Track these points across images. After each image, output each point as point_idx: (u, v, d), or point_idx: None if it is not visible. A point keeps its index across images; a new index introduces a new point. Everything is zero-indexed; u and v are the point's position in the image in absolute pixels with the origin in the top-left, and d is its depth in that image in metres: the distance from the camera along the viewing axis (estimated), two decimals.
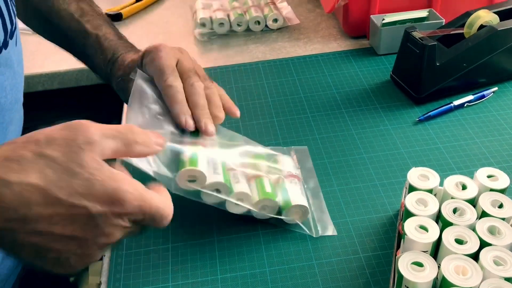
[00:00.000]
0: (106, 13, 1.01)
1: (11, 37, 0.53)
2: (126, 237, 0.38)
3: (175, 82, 0.54)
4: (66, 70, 0.87)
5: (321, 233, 0.54)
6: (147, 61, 0.56)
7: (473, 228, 0.44)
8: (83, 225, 0.35)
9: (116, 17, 1.01)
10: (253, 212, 0.53)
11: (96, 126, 0.37)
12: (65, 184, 0.34)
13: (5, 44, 0.51)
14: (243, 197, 0.52)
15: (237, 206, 0.52)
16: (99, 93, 0.95)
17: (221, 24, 0.92)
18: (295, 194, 0.54)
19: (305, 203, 0.54)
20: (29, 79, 0.87)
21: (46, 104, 0.93)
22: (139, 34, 0.96)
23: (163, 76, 0.54)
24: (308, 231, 0.54)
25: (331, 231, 0.55)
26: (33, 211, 0.34)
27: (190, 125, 0.52)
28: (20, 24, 1.00)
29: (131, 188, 0.36)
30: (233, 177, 0.53)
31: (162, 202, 0.38)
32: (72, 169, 0.34)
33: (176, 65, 0.56)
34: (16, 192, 0.33)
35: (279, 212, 0.54)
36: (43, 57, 0.91)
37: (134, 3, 1.04)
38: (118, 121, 0.75)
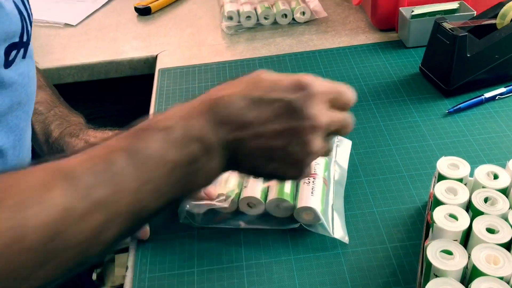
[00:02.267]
0: (135, 7, 1.02)
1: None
2: (321, 150, 0.41)
3: None
4: (95, 62, 0.89)
5: (334, 235, 0.52)
6: None
7: (505, 218, 0.43)
8: (287, 115, 0.39)
9: (145, 11, 1.02)
10: (269, 211, 0.54)
11: None
12: (256, 87, 0.39)
13: (29, 37, 0.51)
14: (252, 201, 0.54)
15: (250, 208, 0.54)
16: (128, 85, 0.97)
17: (248, 17, 0.92)
18: (304, 195, 0.53)
19: (312, 205, 0.52)
20: (60, 71, 0.88)
21: (75, 95, 0.95)
22: (167, 28, 0.97)
23: None
24: (322, 232, 0.53)
25: (342, 237, 0.52)
26: (247, 115, 0.38)
27: None
28: (50, 18, 1.02)
29: (311, 77, 0.41)
30: (245, 181, 0.55)
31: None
32: (257, 80, 0.40)
33: None
34: (230, 103, 0.38)
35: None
36: (73, 50, 0.92)
37: None
38: (147, 113, 0.75)
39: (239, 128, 0.38)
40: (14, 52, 0.46)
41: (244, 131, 0.38)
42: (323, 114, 0.40)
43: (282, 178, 0.43)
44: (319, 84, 0.40)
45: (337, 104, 0.42)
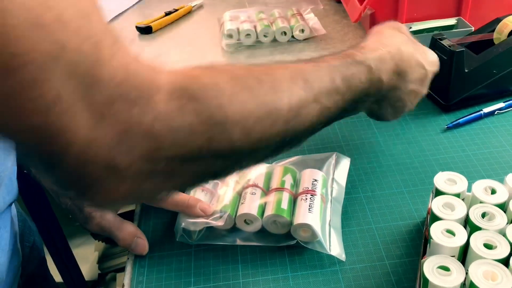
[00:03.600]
0: (137, 26, 1.04)
1: None
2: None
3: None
4: None
5: (331, 252, 0.51)
6: None
7: (503, 233, 0.43)
8: (422, 82, 0.55)
9: (147, 30, 1.03)
10: (265, 228, 0.54)
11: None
12: (423, 55, 0.55)
13: None
14: (249, 217, 0.53)
15: (247, 225, 0.54)
16: None
17: (248, 35, 0.93)
18: (301, 211, 0.53)
19: (309, 222, 0.51)
20: None
21: None
22: (168, 46, 0.98)
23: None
24: (319, 249, 0.52)
25: (339, 254, 0.52)
26: (413, 74, 0.53)
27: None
28: None
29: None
30: (242, 197, 0.55)
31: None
32: (419, 48, 0.56)
33: None
34: (410, 62, 0.52)
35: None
36: None
37: (163, 17, 1.06)
38: None
39: (403, 79, 0.52)
40: None
41: (404, 81, 0.52)
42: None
43: (381, 118, 0.56)
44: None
45: None
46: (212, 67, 0.39)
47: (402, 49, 0.51)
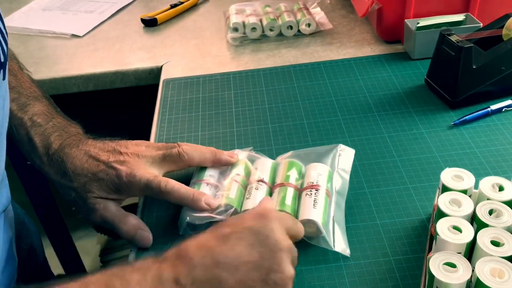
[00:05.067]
0: (142, 19, 1.03)
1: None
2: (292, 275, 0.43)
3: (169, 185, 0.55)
4: (101, 72, 0.89)
5: (335, 248, 0.51)
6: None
7: (510, 230, 0.42)
8: (257, 242, 0.41)
9: (151, 23, 1.03)
10: None
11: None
12: (221, 226, 0.43)
13: (6, 57, 0.48)
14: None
15: None
16: (132, 96, 0.97)
17: (254, 28, 0.92)
18: (306, 207, 0.52)
19: (314, 217, 0.51)
20: (65, 81, 0.89)
21: (80, 105, 0.95)
22: (173, 39, 0.97)
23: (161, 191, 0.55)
24: (323, 245, 0.51)
25: (343, 249, 0.51)
26: (222, 252, 0.40)
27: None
28: (57, 29, 1.03)
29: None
30: (247, 192, 0.55)
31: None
32: (219, 225, 0.44)
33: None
34: (199, 245, 0.41)
35: None
36: (79, 60, 0.93)
37: (169, 9, 1.06)
38: (150, 123, 0.75)
39: (215, 266, 0.39)
40: None
41: (220, 268, 0.39)
42: (286, 238, 0.42)
43: None
44: (274, 212, 0.44)
45: (289, 233, 0.44)
46: None
47: (189, 243, 0.41)
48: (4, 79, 0.47)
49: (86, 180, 0.55)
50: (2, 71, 0.46)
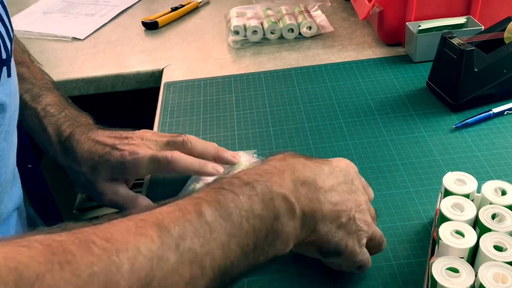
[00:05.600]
0: (143, 22, 1.03)
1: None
2: (371, 226, 0.45)
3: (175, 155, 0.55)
4: (102, 75, 0.89)
5: None
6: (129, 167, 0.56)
7: None
8: (350, 184, 0.44)
9: (152, 26, 1.03)
10: None
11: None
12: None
13: (9, 54, 0.48)
14: None
15: None
16: (133, 99, 0.97)
17: (255, 31, 0.92)
18: None
19: None
20: (66, 84, 0.89)
21: (81, 108, 0.95)
22: (174, 42, 0.97)
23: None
24: None
25: None
26: (322, 179, 0.41)
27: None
28: (58, 32, 1.03)
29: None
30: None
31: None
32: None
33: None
34: (306, 167, 0.41)
35: None
36: (80, 63, 0.93)
37: (170, 12, 1.06)
38: (151, 127, 0.75)
39: (317, 189, 0.40)
40: None
41: (320, 192, 0.40)
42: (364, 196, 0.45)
43: (343, 252, 0.43)
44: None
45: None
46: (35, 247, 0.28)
47: (295, 160, 0.42)
48: (9, 76, 0.47)
49: (93, 164, 0.56)
50: (5, 68, 0.46)
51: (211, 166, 0.56)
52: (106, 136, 0.58)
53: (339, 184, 0.42)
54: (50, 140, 0.59)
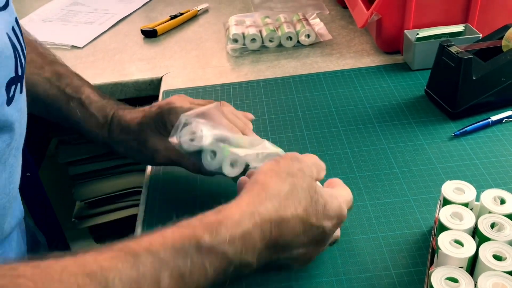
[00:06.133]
0: (142, 30, 1.03)
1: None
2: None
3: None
4: (101, 83, 0.89)
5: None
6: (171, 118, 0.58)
7: None
8: (318, 242, 0.43)
9: (151, 34, 1.03)
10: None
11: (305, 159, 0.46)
12: (314, 209, 0.42)
13: (23, 70, 0.49)
14: (236, 157, 0.51)
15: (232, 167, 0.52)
16: (133, 106, 0.97)
17: (253, 39, 0.93)
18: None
19: None
20: None
21: None
22: (173, 50, 0.97)
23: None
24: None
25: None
26: (295, 241, 0.41)
27: None
28: (57, 40, 1.03)
29: (342, 199, 0.46)
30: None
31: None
32: (314, 197, 0.42)
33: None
34: (289, 231, 0.40)
35: None
36: (79, 71, 0.92)
37: (169, 20, 1.06)
38: None
39: (282, 250, 0.41)
40: (13, 88, 0.44)
41: (285, 252, 0.42)
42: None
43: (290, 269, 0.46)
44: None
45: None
46: None
47: (282, 215, 0.40)
48: (21, 92, 0.48)
49: (139, 128, 0.60)
50: (19, 84, 0.46)
51: (248, 131, 0.58)
52: (143, 109, 0.63)
53: (309, 241, 0.42)
54: (98, 122, 0.63)
